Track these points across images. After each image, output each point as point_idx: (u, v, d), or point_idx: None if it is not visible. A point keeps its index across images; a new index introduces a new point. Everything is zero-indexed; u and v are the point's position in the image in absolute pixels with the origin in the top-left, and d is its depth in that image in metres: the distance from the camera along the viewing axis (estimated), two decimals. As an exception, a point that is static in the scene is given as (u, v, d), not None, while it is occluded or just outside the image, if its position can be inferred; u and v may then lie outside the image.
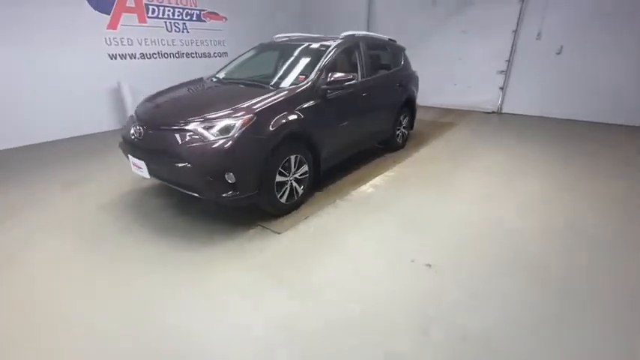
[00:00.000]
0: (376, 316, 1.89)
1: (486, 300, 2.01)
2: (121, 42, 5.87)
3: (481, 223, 2.87)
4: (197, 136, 2.39)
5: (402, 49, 4.75)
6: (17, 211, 3.03)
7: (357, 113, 3.63)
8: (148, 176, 2.63)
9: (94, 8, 5.46)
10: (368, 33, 4.13)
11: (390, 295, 2.05)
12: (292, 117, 2.73)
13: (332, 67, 3.24)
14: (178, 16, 6.59)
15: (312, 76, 3.05)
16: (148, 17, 6.15)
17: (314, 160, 3.12)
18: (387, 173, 3.97)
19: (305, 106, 2.89)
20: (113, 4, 5.66)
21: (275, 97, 2.73)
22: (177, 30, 6.64)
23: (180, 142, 2.40)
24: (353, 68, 3.79)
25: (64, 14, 5.14)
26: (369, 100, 3.78)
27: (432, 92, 7.92)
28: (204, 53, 7.19)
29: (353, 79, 3.18)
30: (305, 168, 3.02)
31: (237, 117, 2.44)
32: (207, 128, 2.40)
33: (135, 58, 6.11)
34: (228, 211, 3.00)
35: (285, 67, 3.43)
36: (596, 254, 2.47)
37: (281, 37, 4.14)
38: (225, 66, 3.92)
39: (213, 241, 2.60)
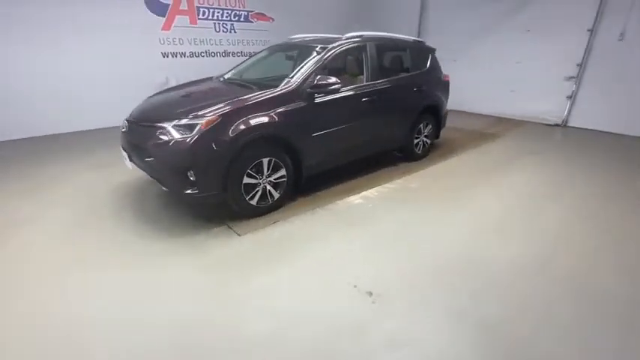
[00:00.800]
0: (281, 340, 1.77)
1: (407, 351, 1.73)
2: (173, 42, 6.47)
3: (467, 257, 2.48)
4: (165, 134, 2.51)
5: (429, 51, 4.34)
6: (45, 185, 3.57)
7: (356, 119, 3.43)
8: (130, 166, 2.86)
9: (151, 12, 6.13)
10: (380, 34, 3.86)
11: (309, 318, 1.91)
12: (265, 119, 2.70)
13: (325, 70, 3.12)
14: (227, 17, 7.01)
15: (297, 78, 2.98)
16: (199, 19, 6.67)
17: (294, 165, 3.04)
18: (388, 185, 3.69)
19: (284, 109, 2.83)
20: (168, 8, 6.27)
21: (250, 99, 2.73)
22: (225, 30, 7.07)
23: (150, 138, 2.56)
24: (358, 71, 3.61)
25: (126, 17, 5.86)
26: (374, 105, 3.54)
27: (484, 98, 7.15)
28: (250, 52, 7.53)
29: (338, 85, 3.00)
30: (282, 172, 2.97)
31: (202, 118, 2.50)
32: (175, 127, 2.51)
33: (184, 56, 6.69)
34: (207, 207, 3.11)
35: (281, 69, 3.40)
36: (599, 334, 1.95)
37: (295, 37, 4.12)
38: (238, 65, 4.05)
39: (182, 233, 2.70)
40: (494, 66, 6.88)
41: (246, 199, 2.80)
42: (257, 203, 2.89)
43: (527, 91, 6.55)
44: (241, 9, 7.15)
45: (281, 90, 2.88)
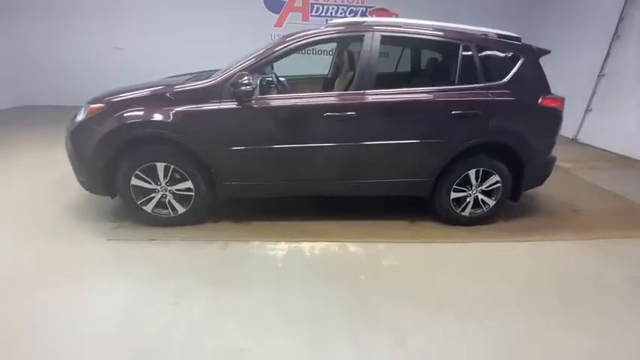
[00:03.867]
0: None
1: None
2: (282, 38, 6.66)
3: None
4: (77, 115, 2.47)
5: (520, 54, 2.52)
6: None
7: (311, 140, 2.39)
8: None
9: (268, 9, 6.49)
10: (403, 20, 2.51)
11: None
12: (152, 116, 2.22)
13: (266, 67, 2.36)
14: (341, 13, 6.61)
15: (222, 74, 2.31)
16: (311, 15, 6.58)
17: (207, 180, 2.44)
18: (354, 246, 2.44)
19: (190, 108, 2.25)
20: (283, 5, 6.47)
21: (154, 90, 2.32)
22: (337, 28, 6.69)
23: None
24: (344, 74, 2.52)
25: (246, 16, 6.43)
26: (351, 127, 2.37)
27: None
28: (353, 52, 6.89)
29: (249, 87, 2.13)
30: (187, 184, 2.43)
31: (92, 104, 2.30)
32: (83, 109, 2.42)
33: (298, 52, 6.75)
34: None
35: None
36: None
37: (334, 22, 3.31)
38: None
39: (84, 218, 2.63)
40: None
41: (137, 203, 2.45)
42: (152, 211, 2.49)
43: None
44: (358, 5, 6.58)
45: (194, 85, 2.32)
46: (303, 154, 2.43)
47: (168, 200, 2.47)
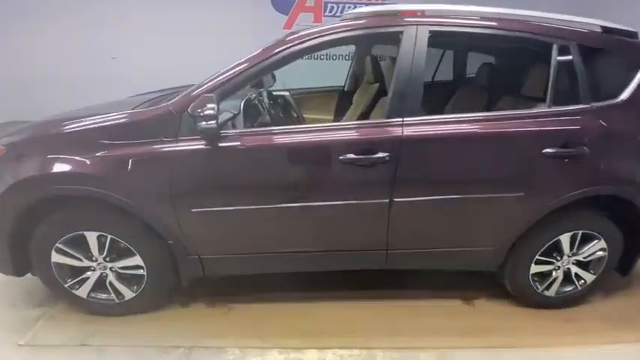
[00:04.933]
0: None
1: None
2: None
3: None
4: None
5: (637, 59, 1.61)
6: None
7: (319, 197, 1.55)
8: None
9: (276, 10, 5.74)
10: (454, 8, 1.65)
11: None
12: (75, 166, 1.44)
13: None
14: (359, 13, 5.77)
15: (182, 96, 1.50)
16: (325, 16, 5.77)
17: (165, 253, 1.63)
18: (382, 358, 1.58)
19: (130, 151, 1.45)
20: (292, 5, 5.70)
21: (78, 125, 1.54)
22: (355, 29, 5.86)
23: None
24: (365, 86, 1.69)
25: (253, 18, 5.69)
26: (383, 175, 1.51)
27: None
28: (381, 56, 6.02)
29: (211, 123, 1.31)
30: (136, 261, 1.63)
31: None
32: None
33: (301, 58, 5.98)
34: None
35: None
36: None
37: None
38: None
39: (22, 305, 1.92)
40: None
41: (65, 285, 1.67)
42: (89, 296, 1.71)
43: None
44: (379, 3, 5.71)
45: (138, 116, 1.52)
46: (307, 216, 1.58)
47: (110, 282, 1.68)
